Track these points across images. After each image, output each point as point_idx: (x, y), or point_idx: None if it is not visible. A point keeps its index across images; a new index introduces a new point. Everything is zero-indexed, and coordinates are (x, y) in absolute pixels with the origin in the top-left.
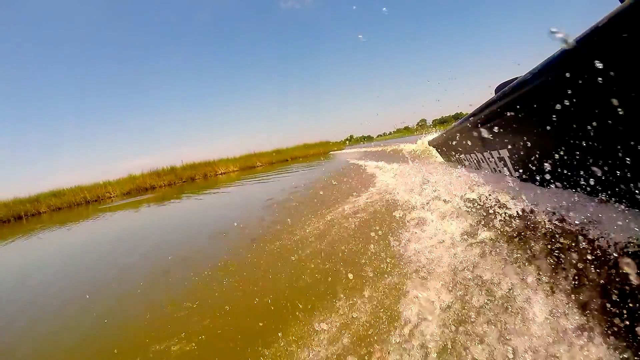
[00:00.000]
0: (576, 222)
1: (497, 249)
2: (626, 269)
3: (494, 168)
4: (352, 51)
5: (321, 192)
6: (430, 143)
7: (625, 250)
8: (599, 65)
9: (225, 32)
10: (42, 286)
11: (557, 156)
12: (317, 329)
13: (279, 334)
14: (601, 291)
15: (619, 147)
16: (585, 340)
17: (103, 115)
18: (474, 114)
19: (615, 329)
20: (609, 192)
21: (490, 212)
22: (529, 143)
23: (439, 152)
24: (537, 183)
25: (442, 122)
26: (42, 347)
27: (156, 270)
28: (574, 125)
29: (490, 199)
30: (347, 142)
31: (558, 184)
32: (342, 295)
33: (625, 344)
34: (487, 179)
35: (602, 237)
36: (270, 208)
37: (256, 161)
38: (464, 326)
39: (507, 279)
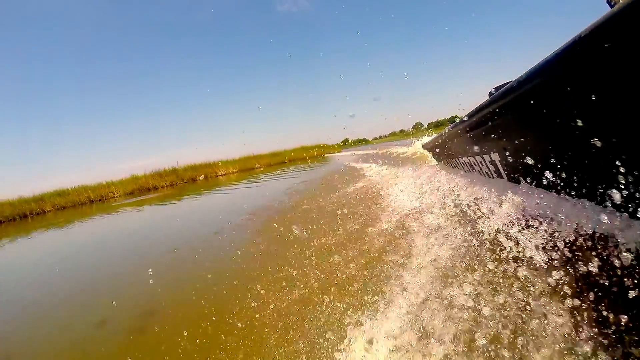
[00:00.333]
0: (534, 214)
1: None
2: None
3: (486, 172)
4: (350, 52)
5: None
6: (424, 146)
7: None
8: (585, 71)
9: (223, 34)
10: (121, 251)
11: (546, 160)
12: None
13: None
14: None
15: (603, 152)
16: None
17: (100, 116)
18: (465, 119)
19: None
20: (583, 191)
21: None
22: (519, 147)
23: (432, 155)
24: (529, 185)
25: (437, 125)
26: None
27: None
28: (561, 131)
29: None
30: (344, 144)
31: (546, 187)
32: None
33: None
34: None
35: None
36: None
37: (255, 163)
38: None
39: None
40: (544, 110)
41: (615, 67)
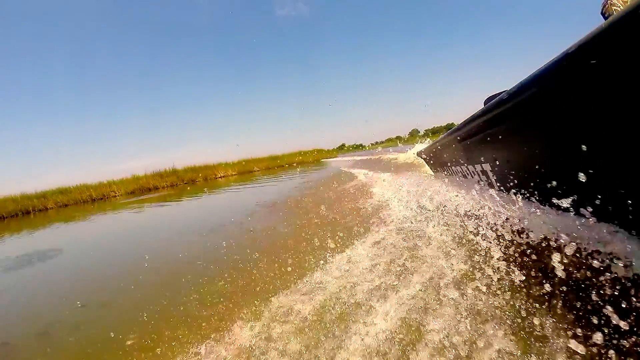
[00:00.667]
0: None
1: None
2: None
3: (478, 180)
4: (348, 55)
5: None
6: (418, 154)
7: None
8: (576, 84)
9: (221, 36)
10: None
11: (535, 171)
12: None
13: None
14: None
15: (584, 166)
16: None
17: (91, 116)
18: (458, 128)
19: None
20: (571, 205)
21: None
22: (509, 158)
23: (427, 163)
24: (520, 197)
25: (434, 132)
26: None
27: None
28: (549, 143)
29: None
30: (340, 149)
31: (537, 198)
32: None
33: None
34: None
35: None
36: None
37: (254, 166)
38: None
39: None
40: (533, 122)
41: (608, 79)
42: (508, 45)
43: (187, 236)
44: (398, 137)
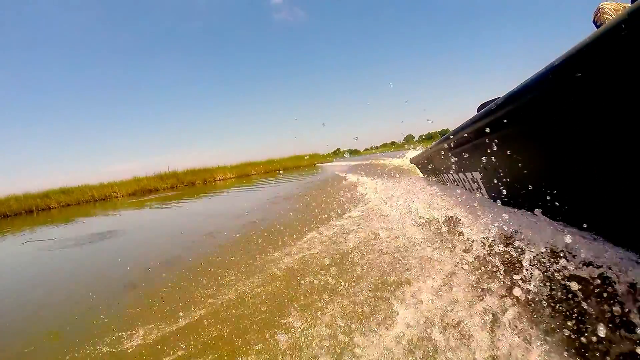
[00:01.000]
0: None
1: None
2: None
3: (469, 188)
4: (347, 60)
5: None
6: (411, 160)
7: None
8: (565, 93)
9: (219, 39)
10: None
11: (524, 181)
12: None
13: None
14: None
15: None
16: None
17: (81, 118)
18: (449, 136)
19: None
20: (557, 215)
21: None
22: (498, 167)
23: (419, 169)
24: (509, 205)
25: (429, 137)
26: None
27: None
28: (536, 152)
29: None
30: (335, 154)
31: (526, 206)
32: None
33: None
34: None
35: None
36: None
37: (251, 170)
38: None
39: None
40: (519, 132)
41: (600, 88)
42: (509, 46)
43: (239, 218)
44: (393, 143)
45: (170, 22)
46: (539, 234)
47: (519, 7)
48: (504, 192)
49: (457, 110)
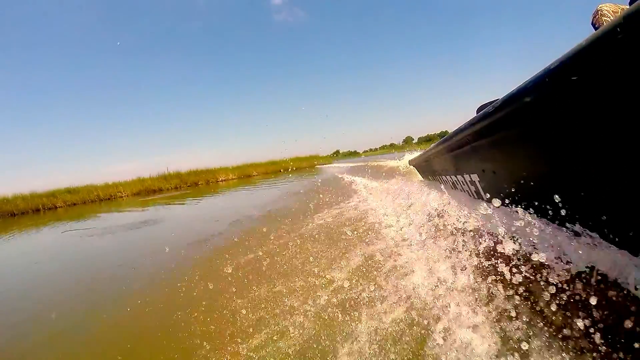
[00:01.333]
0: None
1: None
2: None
3: (467, 190)
4: (347, 60)
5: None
6: (410, 162)
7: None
8: (556, 100)
9: (218, 40)
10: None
11: (522, 182)
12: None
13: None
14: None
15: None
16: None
17: (78, 118)
18: (447, 138)
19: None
20: (548, 215)
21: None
22: (497, 168)
23: (418, 171)
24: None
25: (428, 139)
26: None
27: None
28: (534, 154)
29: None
30: (334, 155)
31: (523, 209)
32: None
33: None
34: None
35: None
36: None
37: (252, 171)
38: None
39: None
40: (521, 133)
41: (596, 91)
42: (509, 46)
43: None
44: (392, 145)
45: (170, 22)
46: (536, 237)
47: (519, 6)
48: (502, 193)
49: (456, 111)
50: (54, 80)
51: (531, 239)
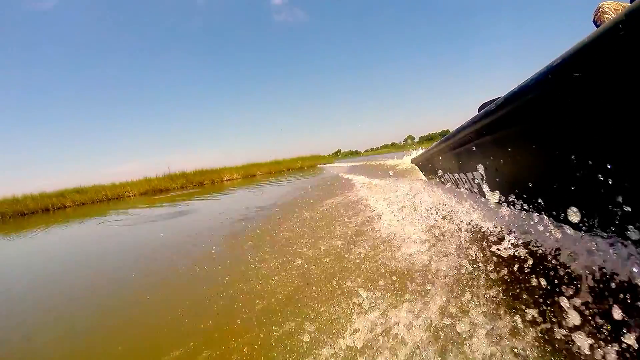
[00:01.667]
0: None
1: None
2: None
3: (469, 188)
4: (347, 60)
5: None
6: (412, 161)
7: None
8: (559, 96)
9: (218, 40)
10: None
11: (524, 180)
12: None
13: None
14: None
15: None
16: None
17: (77, 120)
18: (450, 136)
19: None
20: (552, 213)
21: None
22: (499, 166)
23: (421, 170)
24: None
25: (429, 138)
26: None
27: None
28: (536, 152)
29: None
30: (336, 155)
31: (525, 207)
32: None
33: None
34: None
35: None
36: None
37: (256, 170)
38: None
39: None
40: (523, 131)
41: (598, 88)
42: (510, 45)
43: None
44: (393, 144)
45: (170, 22)
46: (538, 233)
47: (519, 5)
48: (505, 191)
49: (457, 111)
50: (54, 80)
51: (532, 230)
